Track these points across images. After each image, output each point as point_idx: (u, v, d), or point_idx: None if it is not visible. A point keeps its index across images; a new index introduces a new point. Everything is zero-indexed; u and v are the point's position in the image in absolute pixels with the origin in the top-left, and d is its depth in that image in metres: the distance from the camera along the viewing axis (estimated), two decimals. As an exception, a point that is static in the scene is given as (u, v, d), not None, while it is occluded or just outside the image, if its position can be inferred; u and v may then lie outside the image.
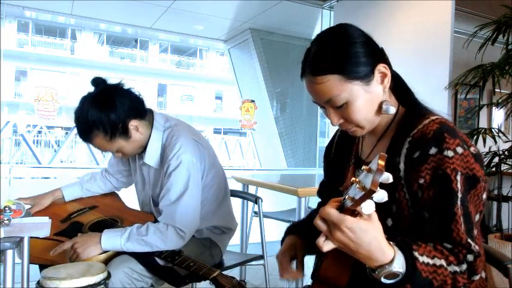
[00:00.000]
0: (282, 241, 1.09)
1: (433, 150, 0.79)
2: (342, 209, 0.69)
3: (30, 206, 1.58)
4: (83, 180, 1.73)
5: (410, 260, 0.71)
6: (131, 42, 18.54)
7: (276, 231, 3.28)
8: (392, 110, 0.88)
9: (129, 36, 17.73)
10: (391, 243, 0.72)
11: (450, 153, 0.78)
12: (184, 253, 1.36)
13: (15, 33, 16.05)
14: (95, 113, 1.36)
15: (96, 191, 1.74)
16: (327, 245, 0.71)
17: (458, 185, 0.77)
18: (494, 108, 3.83)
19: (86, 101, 1.39)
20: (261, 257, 1.83)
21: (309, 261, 1.04)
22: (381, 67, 0.86)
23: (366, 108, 0.86)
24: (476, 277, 0.77)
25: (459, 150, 0.79)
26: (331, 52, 0.84)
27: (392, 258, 0.70)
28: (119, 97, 1.40)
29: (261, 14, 5.16)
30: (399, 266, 0.70)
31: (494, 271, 0.95)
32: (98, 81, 1.43)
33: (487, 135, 2.48)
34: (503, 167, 2.57)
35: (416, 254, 0.72)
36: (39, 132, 12.59)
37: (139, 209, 1.69)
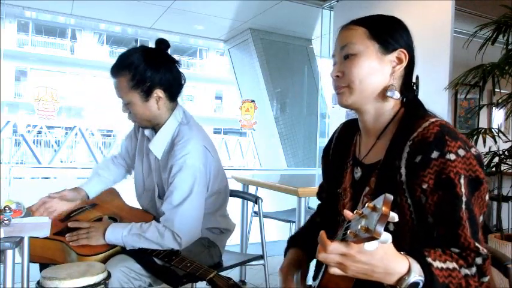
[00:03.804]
0: (285, 253, 1.08)
1: (435, 154, 0.78)
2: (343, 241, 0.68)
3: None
4: (98, 172, 1.69)
5: (426, 267, 0.70)
6: (131, 42, 18.53)
7: (276, 231, 3.29)
8: (397, 95, 0.90)
9: (129, 36, 17.70)
10: (402, 253, 0.71)
11: (452, 157, 0.78)
12: (182, 253, 1.36)
13: (15, 33, 16.05)
14: (139, 59, 1.40)
15: (114, 179, 1.73)
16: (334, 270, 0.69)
17: (463, 189, 0.77)
18: (494, 108, 3.83)
19: (141, 49, 1.45)
20: (261, 257, 1.83)
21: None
22: (402, 53, 0.91)
23: (368, 73, 0.89)
24: (486, 279, 0.76)
25: (461, 152, 0.78)
26: (378, 17, 0.96)
27: (409, 268, 0.69)
28: (167, 67, 1.45)
29: (261, 14, 5.16)
30: (418, 274, 0.69)
31: (494, 271, 0.95)
32: (163, 42, 1.49)
33: (487, 135, 2.48)
34: (503, 167, 2.57)
35: (429, 259, 0.72)
36: (39, 132, 12.59)
37: (137, 197, 1.67)
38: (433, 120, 0.84)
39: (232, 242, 1.74)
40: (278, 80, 6.49)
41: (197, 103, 19.64)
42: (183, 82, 1.51)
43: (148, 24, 5.43)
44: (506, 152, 2.52)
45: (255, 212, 2.69)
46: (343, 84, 0.91)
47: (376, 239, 0.61)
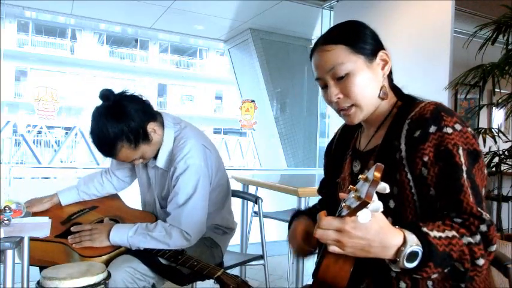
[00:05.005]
0: (289, 225, 1.07)
1: (432, 129, 0.81)
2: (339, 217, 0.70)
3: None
4: (80, 183, 1.71)
5: (422, 236, 0.71)
6: (131, 42, 18.53)
7: (276, 231, 3.28)
8: (387, 94, 0.93)
9: (129, 36, 17.71)
10: (397, 227, 0.72)
11: (449, 130, 0.80)
12: (188, 253, 1.36)
13: (15, 33, 16.05)
14: (115, 125, 1.35)
15: (93, 193, 1.72)
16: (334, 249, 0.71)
17: (462, 159, 0.79)
18: (494, 108, 3.83)
19: (101, 116, 1.38)
20: (261, 257, 1.83)
21: (311, 259, 1.03)
22: (383, 53, 0.93)
23: (367, 85, 0.90)
24: (493, 248, 0.75)
25: (457, 127, 0.81)
26: (344, 28, 0.94)
27: (404, 239, 0.70)
28: (130, 104, 1.40)
29: (261, 14, 5.16)
30: (414, 243, 0.69)
31: (495, 271, 0.95)
32: (107, 95, 1.40)
33: (487, 135, 2.48)
34: (503, 167, 2.57)
35: (425, 229, 0.72)
36: (39, 132, 12.58)
37: (141, 209, 1.69)
38: (429, 101, 0.88)
39: (232, 242, 1.75)
40: (278, 80, 6.49)
41: (197, 103, 19.65)
42: (145, 99, 1.49)
43: (148, 24, 5.43)
44: (506, 152, 2.52)
45: (255, 212, 2.69)
46: (347, 104, 0.92)
47: (368, 203, 0.62)
